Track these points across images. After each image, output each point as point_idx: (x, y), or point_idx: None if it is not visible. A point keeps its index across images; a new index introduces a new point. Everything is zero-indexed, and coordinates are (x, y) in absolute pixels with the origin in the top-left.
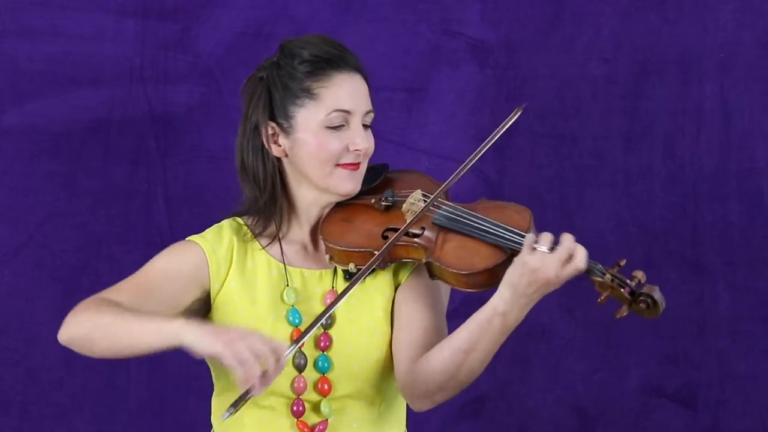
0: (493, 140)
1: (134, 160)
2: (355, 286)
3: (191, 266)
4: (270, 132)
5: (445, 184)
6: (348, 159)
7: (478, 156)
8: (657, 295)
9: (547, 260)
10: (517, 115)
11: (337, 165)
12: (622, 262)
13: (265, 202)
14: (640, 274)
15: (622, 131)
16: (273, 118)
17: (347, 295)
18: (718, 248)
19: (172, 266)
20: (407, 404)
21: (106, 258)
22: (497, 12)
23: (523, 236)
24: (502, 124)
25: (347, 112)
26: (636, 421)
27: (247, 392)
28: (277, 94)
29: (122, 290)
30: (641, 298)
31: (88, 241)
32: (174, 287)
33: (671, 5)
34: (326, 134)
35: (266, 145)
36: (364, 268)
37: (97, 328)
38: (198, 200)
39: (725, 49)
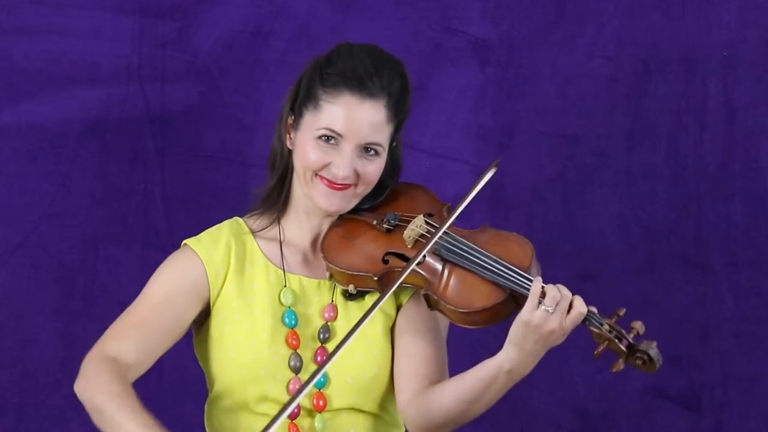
0: (471, 196)
1: (132, 159)
2: (362, 326)
3: (190, 283)
4: (289, 122)
5: (445, 222)
6: (327, 175)
7: (471, 197)
8: (653, 352)
9: (551, 316)
10: (492, 171)
11: (316, 174)
12: (621, 312)
13: (273, 186)
14: (638, 325)
15: (624, 130)
16: (292, 110)
17: (347, 343)
18: (722, 249)
19: (172, 287)
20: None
21: (104, 258)
22: (498, 10)
23: (525, 277)
24: (478, 181)
25: (338, 134)
26: (639, 423)
27: None
28: (301, 90)
29: (125, 334)
30: (638, 354)
31: (86, 241)
32: (177, 309)
33: (674, 2)
34: (315, 144)
35: (282, 134)
36: (363, 316)
37: (98, 406)
38: (196, 200)
39: (729, 47)
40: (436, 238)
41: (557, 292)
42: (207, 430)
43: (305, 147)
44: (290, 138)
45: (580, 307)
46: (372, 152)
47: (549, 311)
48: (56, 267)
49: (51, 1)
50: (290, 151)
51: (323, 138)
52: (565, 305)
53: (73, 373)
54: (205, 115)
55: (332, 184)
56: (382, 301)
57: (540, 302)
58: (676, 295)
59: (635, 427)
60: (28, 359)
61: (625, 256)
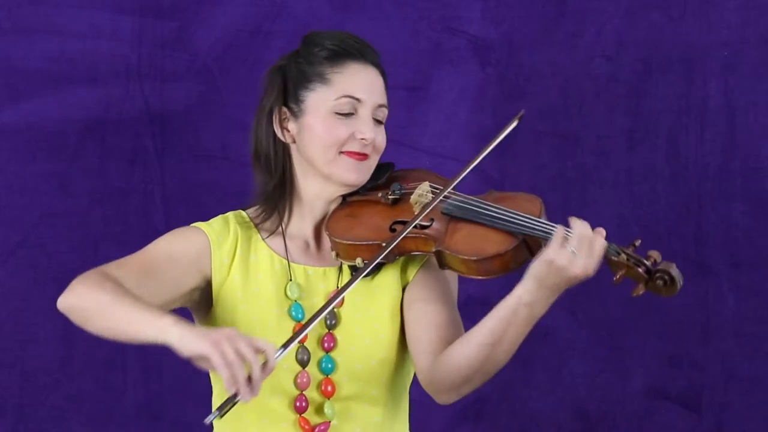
0: (499, 139)
1: (131, 159)
2: (359, 280)
3: (194, 251)
4: (282, 117)
5: (455, 178)
6: (353, 147)
7: (485, 154)
8: (674, 271)
9: (576, 259)
10: (515, 123)
11: (342, 152)
12: (637, 242)
13: (275, 186)
14: (655, 254)
15: (625, 130)
16: (285, 103)
17: (351, 287)
18: (723, 249)
19: (176, 248)
20: (432, 396)
21: (103, 258)
22: (499, 9)
23: (544, 223)
24: (500, 132)
25: (357, 99)
26: (639, 424)
27: (234, 396)
28: (291, 79)
29: (126, 266)
30: (658, 274)
31: (85, 241)
32: (177, 269)
33: (675, 2)
34: (333, 119)
35: (277, 131)
36: (372, 258)
37: (95, 304)
38: (196, 200)
39: (730, 46)
40: (458, 177)
41: (586, 230)
42: (213, 425)
43: (324, 125)
44: (287, 131)
45: (600, 246)
46: (380, 120)
47: (575, 252)
48: (55, 267)
49: (50, 1)
50: (285, 147)
51: (339, 113)
52: (589, 248)
53: (72, 373)
54: (204, 115)
55: (359, 155)
56: (393, 243)
57: (565, 243)
58: (677, 295)
59: (636, 427)
60: (28, 359)
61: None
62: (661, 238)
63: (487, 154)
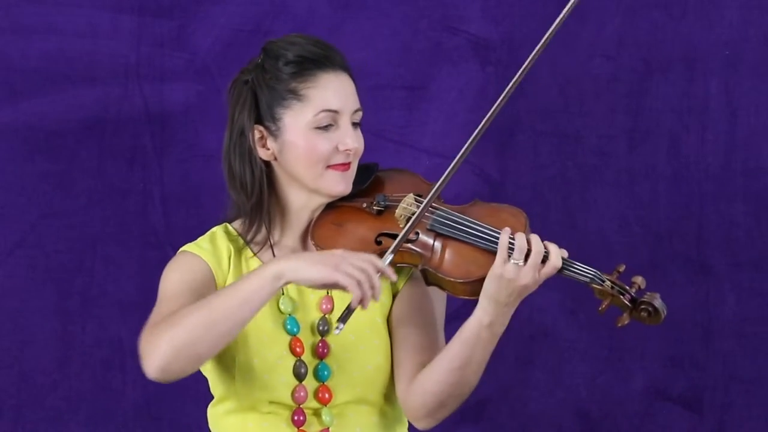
0: (478, 137)
1: (130, 159)
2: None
3: (201, 277)
4: (258, 136)
5: (436, 186)
6: (338, 159)
7: (467, 152)
8: (658, 302)
9: (522, 270)
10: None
11: (328, 167)
12: (621, 268)
13: (252, 207)
14: (639, 280)
15: (626, 130)
16: (260, 122)
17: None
18: (724, 249)
19: (188, 278)
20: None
21: (102, 258)
22: (499, 9)
23: (496, 232)
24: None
25: (335, 111)
26: (640, 425)
27: (351, 305)
28: (263, 97)
29: (163, 314)
30: (642, 306)
31: (83, 241)
32: (195, 298)
33: (676, 2)
34: (315, 135)
35: (254, 150)
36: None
37: (191, 329)
38: (194, 200)
39: (731, 46)
40: (438, 186)
41: (524, 243)
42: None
43: (306, 142)
44: (266, 150)
45: (555, 261)
46: (357, 123)
47: (519, 264)
48: (54, 267)
49: (49, 0)
50: (266, 164)
51: (319, 127)
52: (537, 259)
53: (70, 374)
54: (203, 115)
55: (344, 166)
56: (397, 242)
57: (509, 255)
58: (678, 295)
59: (636, 428)
60: (26, 360)
61: (627, 256)
62: (661, 238)
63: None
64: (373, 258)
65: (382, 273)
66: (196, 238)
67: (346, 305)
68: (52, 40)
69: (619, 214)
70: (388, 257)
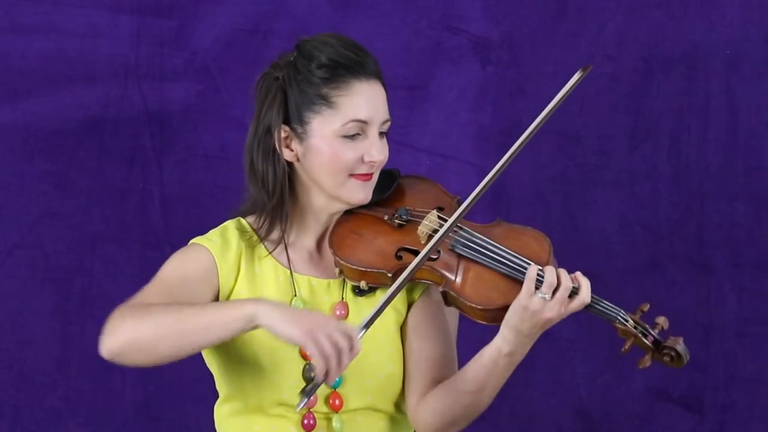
0: (505, 165)
1: (129, 159)
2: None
3: (202, 269)
4: (283, 135)
5: (461, 209)
6: (361, 170)
7: (497, 175)
8: (680, 347)
9: (548, 304)
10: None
11: (351, 175)
12: (645, 308)
13: (273, 207)
14: (662, 321)
15: (626, 130)
16: (287, 122)
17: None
18: (725, 249)
19: (187, 268)
20: None
21: (101, 258)
22: (499, 8)
23: (525, 262)
24: (508, 155)
25: (364, 122)
26: (641, 425)
27: (319, 381)
28: (293, 97)
29: (147, 296)
30: (665, 351)
31: (83, 241)
32: (192, 289)
33: (676, 1)
34: (341, 144)
35: (278, 149)
36: (381, 305)
37: (155, 329)
38: (194, 200)
39: (732, 45)
40: (464, 210)
41: (554, 279)
42: None
43: (331, 150)
44: (290, 151)
45: (585, 297)
46: (384, 133)
47: (546, 299)
48: (53, 267)
49: (48, 0)
50: (289, 164)
51: (347, 135)
52: (564, 294)
53: (70, 374)
54: (203, 115)
55: (366, 177)
56: (405, 281)
57: (537, 288)
58: (679, 295)
59: (637, 428)
60: (25, 360)
61: (627, 256)
62: (662, 238)
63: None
64: (353, 336)
65: (351, 352)
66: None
67: (312, 379)
68: (51, 40)
69: (620, 214)
70: (363, 333)
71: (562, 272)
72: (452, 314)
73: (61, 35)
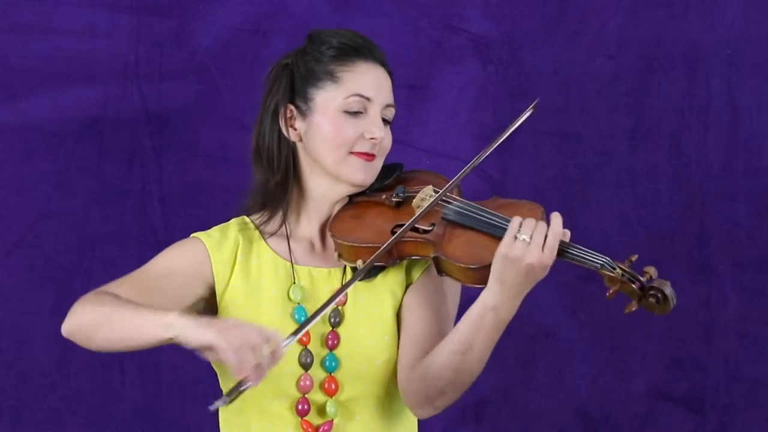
0: (506, 135)
1: (129, 158)
2: (357, 280)
3: (193, 261)
4: (288, 115)
5: (455, 178)
6: (362, 147)
7: (489, 151)
8: (668, 290)
9: (529, 249)
10: (529, 112)
11: (351, 153)
12: (634, 258)
13: (276, 184)
14: (651, 270)
15: (627, 129)
16: (292, 101)
17: (350, 286)
18: (726, 249)
19: (176, 260)
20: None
21: (100, 258)
22: (500, 7)
23: (499, 219)
24: (514, 122)
25: (367, 98)
26: (642, 426)
27: (241, 383)
28: (299, 77)
29: (126, 284)
30: (651, 292)
31: (82, 241)
32: (177, 282)
33: (677, 0)
34: (342, 119)
35: (283, 129)
36: (369, 260)
37: (96, 318)
38: (194, 200)
39: (733, 45)
40: (457, 178)
41: (532, 223)
42: (221, 427)
43: (333, 124)
44: (294, 129)
45: (556, 226)
46: (388, 120)
47: (526, 241)
48: (52, 267)
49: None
50: (290, 145)
51: (349, 111)
52: (540, 237)
53: (69, 374)
54: (203, 114)
55: (367, 156)
56: (389, 245)
57: (516, 235)
58: (679, 295)
59: (638, 429)
60: (24, 360)
61: (628, 256)
62: (663, 238)
63: (490, 153)
64: (274, 337)
65: (273, 355)
66: None
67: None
68: (50, 40)
69: (621, 214)
70: (291, 341)
71: (542, 222)
72: (452, 295)
73: (60, 35)
